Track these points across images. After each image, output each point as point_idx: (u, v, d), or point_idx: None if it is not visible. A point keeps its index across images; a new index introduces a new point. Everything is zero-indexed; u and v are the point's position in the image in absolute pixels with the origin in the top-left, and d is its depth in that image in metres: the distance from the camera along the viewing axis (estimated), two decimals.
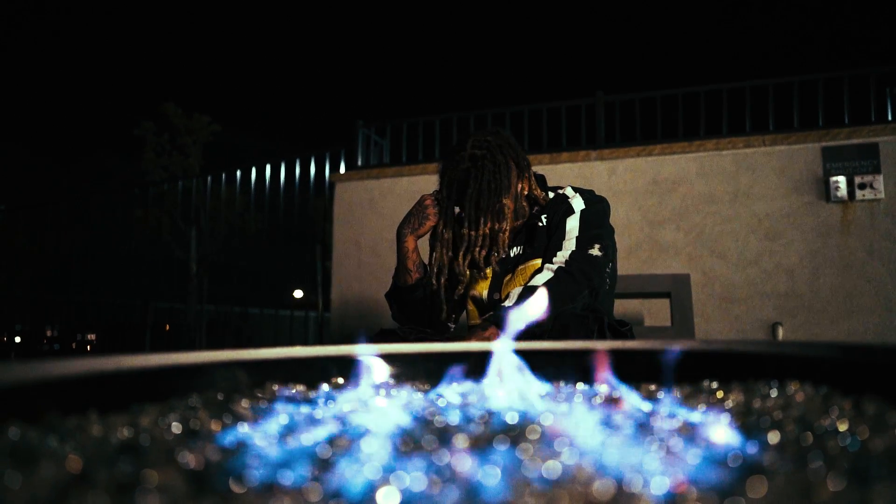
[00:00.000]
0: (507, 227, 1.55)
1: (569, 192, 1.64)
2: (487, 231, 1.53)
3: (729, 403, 0.55)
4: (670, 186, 3.73)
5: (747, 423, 0.47)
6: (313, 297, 5.62)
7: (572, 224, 1.56)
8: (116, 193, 6.96)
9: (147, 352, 0.62)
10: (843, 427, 0.43)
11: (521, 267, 1.60)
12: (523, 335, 1.32)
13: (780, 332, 3.40)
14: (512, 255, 1.64)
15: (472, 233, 1.54)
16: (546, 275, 1.46)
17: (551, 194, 1.67)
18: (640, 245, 3.70)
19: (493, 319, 1.42)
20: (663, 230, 3.69)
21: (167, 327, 7.06)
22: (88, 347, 7.18)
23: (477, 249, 1.54)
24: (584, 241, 1.51)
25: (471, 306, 1.71)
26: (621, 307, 3.00)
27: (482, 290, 1.66)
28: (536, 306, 1.36)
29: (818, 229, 3.44)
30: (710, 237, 3.61)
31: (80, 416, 0.46)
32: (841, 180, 3.38)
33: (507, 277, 1.62)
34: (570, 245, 1.51)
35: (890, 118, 3.91)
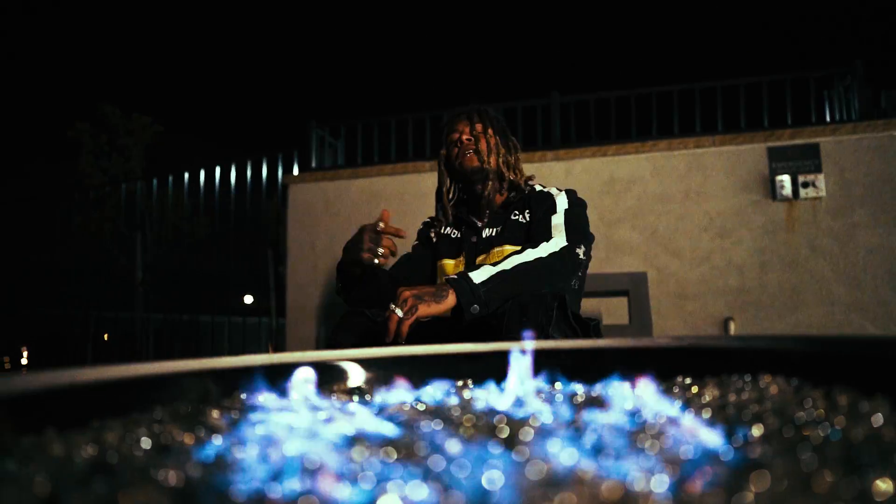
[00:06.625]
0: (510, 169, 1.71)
1: (553, 190, 1.67)
2: (500, 150, 1.69)
3: (706, 398, 0.56)
4: (625, 186, 3.81)
5: (728, 417, 0.48)
6: (265, 303, 5.51)
7: (557, 221, 1.56)
8: (54, 198, 6.67)
9: (90, 365, 0.59)
10: (820, 417, 0.45)
11: (496, 249, 1.62)
12: (477, 312, 1.33)
13: (733, 327, 3.52)
14: (485, 235, 1.67)
15: (492, 138, 1.69)
16: (539, 252, 1.44)
17: (538, 188, 1.70)
18: (597, 244, 3.75)
19: (451, 282, 1.35)
20: (619, 229, 3.77)
21: (105, 337, 6.77)
22: (22, 361, 6.83)
23: (489, 156, 1.68)
24: (572, 238, 1.52)
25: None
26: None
27: (452, 271, 1.67)
28: (514, 271, 1.36)
29: (765, 227, 3.57)
30: (664, 235, 3.71)
31: (37, 435, 0.43)
32: (785, 179, 3.53)
33: (482, 257, 1.63)
34: (561, 238, 1.51)
35: (829, 119, 4.10)
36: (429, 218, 1.87)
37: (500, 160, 1.69)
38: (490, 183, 1.68)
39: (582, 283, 1.65)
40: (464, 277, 1.35)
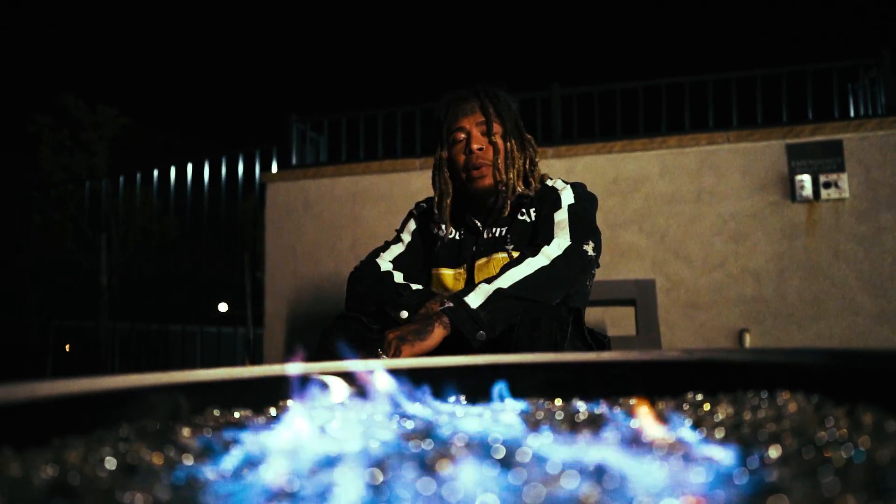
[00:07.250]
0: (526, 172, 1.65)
1: (559, 184, 1.65)
2: (518, 155, 1.61)
3: (719, 416, 0.56)
4: (632, 186, 3.83)
5: (743, 437, 0.48)
6: (241, 312, 5.49)
7: (560, 218, 1.54)
8: (12, 197, 6.64)
9: (51, 377, 0.59)
10: (843, 437, 0.45)
11: (499, 255, 1.59)
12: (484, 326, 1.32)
13: (748, 340, 3.53)
14: (487, 237, 1.64)
15: (510, 143, 1.60)
16: (540, 260, 1.43)
17: (546, 182, 1.67)
18: (602, 249, 3.78)
19: (446, 311, 1.35)
20: (625, 233, 3.79)
21: (67, 348, 6.74)
22: None
23: (503, 163, 1.59)
24: (578, 235, 1.50)
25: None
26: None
27: (451, 283, 1.64)
28: (518, 284, 1.36)
29: (784, 230, 3.60)
30: (674, 239, 3.72)
31: None
32: (806, 179, 3.55)
33: (483, 260, 1.61)
34: (563, 237, 1.49)
35: (853, 115, 4.14)
36: (423, 203, 1.79)
37: (516, 172, 1.61)
38: (501, 197, 1.63)
39: (591, 284, 1.65)
40: (459, 304, 1.35)
